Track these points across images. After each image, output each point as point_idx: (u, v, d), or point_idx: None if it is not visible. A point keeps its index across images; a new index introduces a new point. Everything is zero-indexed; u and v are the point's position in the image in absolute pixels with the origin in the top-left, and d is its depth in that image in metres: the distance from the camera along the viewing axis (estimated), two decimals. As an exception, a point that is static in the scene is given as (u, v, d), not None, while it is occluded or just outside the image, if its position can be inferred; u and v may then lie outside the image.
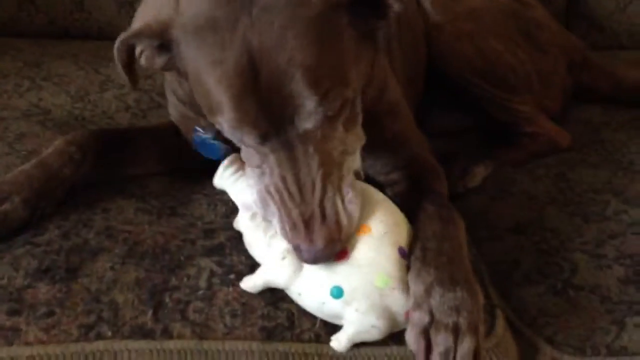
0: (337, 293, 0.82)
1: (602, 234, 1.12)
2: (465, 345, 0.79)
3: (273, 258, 0.87)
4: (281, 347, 0.84)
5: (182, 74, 0.90)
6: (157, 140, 1.15)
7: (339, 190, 0.84)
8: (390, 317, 0.83)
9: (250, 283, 0.88)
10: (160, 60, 0.90)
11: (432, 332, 0.80)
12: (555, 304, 1.00)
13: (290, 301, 0.88)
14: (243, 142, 0.86)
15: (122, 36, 0.90)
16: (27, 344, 0.81)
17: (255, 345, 0.84)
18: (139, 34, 0.89)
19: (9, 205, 0.94)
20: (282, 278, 0.86)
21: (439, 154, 1.21)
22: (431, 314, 0.81)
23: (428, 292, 0.82)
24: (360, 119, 0.92)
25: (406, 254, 0.86)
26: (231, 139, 0.87)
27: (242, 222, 0.93)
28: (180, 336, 0.84)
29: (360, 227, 0.85)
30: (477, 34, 1.42)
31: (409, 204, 0.98)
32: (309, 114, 0.81)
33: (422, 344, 0.80)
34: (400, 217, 0.90)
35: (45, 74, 1.51)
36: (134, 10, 1.84)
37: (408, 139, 1.15)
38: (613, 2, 1.91)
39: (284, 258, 0.85)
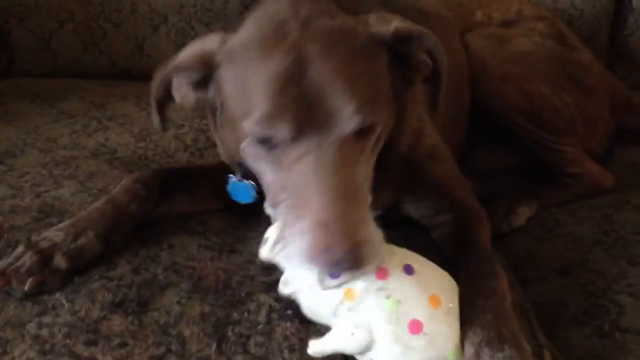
0: None
1: (648, 277, 1.13)
2: None
3: (343, 329, 0.87)
4: (336, 382, 0.88)
5: (212, 106, 0.96)
6: (213, 178, 1.20)
7: (363, 211, 0.86)
8: None
9: (319, 349, 0.89)
10: (194, 97, 0.97)
11: None
12: (602, 345, 1.02)
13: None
14: (275, 137, 0.86)
15: (163, 69, 0.96)
16: (103, 372, 0.86)
17: (312, 380, 0.88)
18: (181, 65, 0.95)
19: (85, 240, 1.01)
20: (354, 350, 0.86)
21: (483, 193, 1.25)
22: None
23: (478, 354, 0.84)
24: (374, 159, 0.95)
25: None
26: (259, 140, 0.88)
27: (302, 288, 0.92)
28: (242, 368, 0.89)
29: (430, 300, 0.86)
30: (523, 77, 1.47)
31: (452, 251, 1.02)
32: (346, 118, 0.86)
33: None
34: (453, 282, 0.92)
35: (111, 115, 1.60)
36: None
37: (450, 182, 1.18)
38: (655, 43, 1.95)
39: (353, 333, 0.86)
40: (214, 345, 0.91)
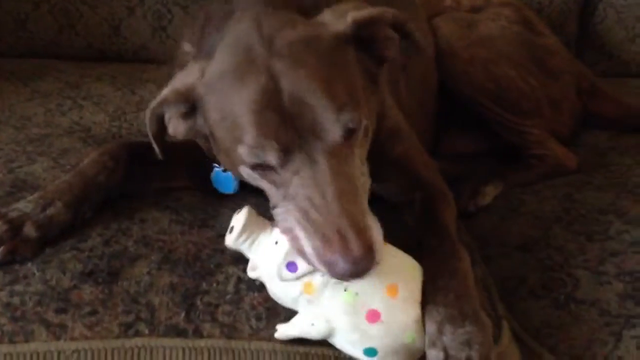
0: (371, 353, 0.87)
1: (604, 252, 1.17)
2: None
3: (304, 319, 0.90)
4: (302, 349, 0.92)
5: (202, 134, 0.98)
6: (185, 156, 1.21)
7: (365, 207, 0.88)
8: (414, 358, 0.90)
9: (285, 334, 0.92)
10: (184, 127, 0.98)
11: None
12: (557, 316, 1.06)
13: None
14: (265, 163, 0.88)
15: (152, 105, 0.98)
16: (73, 339, 0.89)
17: (278, 346, 0.91)
18: (167, 100, 0.97)
19: (53, 210, 1.03)
20: (316, 337, 0.90)
21: (451, 175, 1.28)
22: (445, 351, 0.87)
23: (440, 330, 0.88)
24: (367, 149, 0.97)
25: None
26: (252, 166, 0.90)
27: (265, 276, 0.95)
28: (210, 336, 0.92)
29: (388, 289, 0.88)
30: (490, 60, 1.50)
31: (418, 231, 1.06)
32: (330, 125, 0.86)
33: None
34: (416, 269, 0.94)
35: (85, 94, 1.61)
36: (167, 35, 1.96)
37: (413, 161, 1.20)
38: (623, 32, 1.99)
39: (313, 324, 0.89)
40: (183, 314, 0.93)
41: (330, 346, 0.92)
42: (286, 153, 0.87)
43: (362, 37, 0.96)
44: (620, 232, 1.22)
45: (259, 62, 0.89)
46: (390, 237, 0.92)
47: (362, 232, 0.83)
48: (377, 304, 0.87)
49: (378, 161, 1.10)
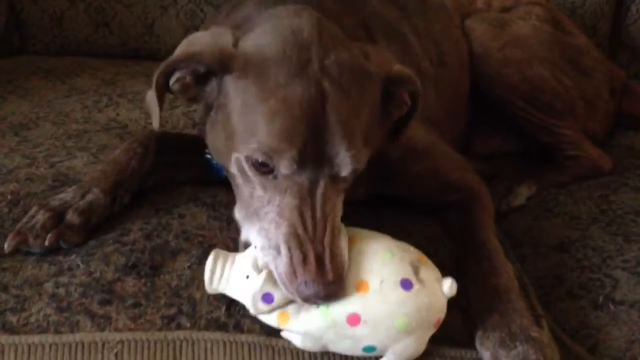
0: (370, 349, 0.87)
1: (642, 253, 1.16)
2: None
3: (296, 344, 0.90)
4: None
5: (207, 101, 0.96)
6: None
7: (340, 237, 0.89)
8: (422, 337, 0.88)
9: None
10: (195, 91, 0.96)
11: None
12: (596, 317, 1.06)
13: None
14: (272, 167, 0.88)
15: (172, 58, 0.94)
16: (117, 330, 0.90)
17: (318, 345, 0.92)
18: (196, 57, 0.92)
19: (92, 196, 1.06)
20: (317, 350, 0.90)
21: (483, 173, 1.28)
22: None
23: (494, 356, 0.90)
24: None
25: (410, 283, 0.86)
26: (253, 162, 0.88)
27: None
28: (250, 331, 0.92)
29: (357, 287, 0.86)
30: (523, 61, 1.50)
31: (454, 250, 1.08)
32: (343, 165, 0.89)
33: None
34: (383, 252, 0.89)
35: (121, 91, 1.64)
36: (200, 34, 1.93)
37: (437, 173, 1.21)
38: (655, 32, 1.98)
39: (304, 346, 0.88)
40: (223, 309, 0.94)
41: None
42: (299, 168, 0.87)
43: (387, 89, 0.98)
44: (658, 233, 1.22)
45: (311, 71, 0.88)
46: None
47: (336, 258, 0.85)
48: (352, 307, 0.86)
49: (393, 178, 1.13)
